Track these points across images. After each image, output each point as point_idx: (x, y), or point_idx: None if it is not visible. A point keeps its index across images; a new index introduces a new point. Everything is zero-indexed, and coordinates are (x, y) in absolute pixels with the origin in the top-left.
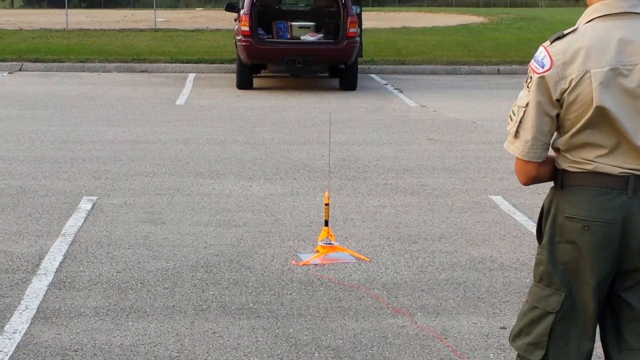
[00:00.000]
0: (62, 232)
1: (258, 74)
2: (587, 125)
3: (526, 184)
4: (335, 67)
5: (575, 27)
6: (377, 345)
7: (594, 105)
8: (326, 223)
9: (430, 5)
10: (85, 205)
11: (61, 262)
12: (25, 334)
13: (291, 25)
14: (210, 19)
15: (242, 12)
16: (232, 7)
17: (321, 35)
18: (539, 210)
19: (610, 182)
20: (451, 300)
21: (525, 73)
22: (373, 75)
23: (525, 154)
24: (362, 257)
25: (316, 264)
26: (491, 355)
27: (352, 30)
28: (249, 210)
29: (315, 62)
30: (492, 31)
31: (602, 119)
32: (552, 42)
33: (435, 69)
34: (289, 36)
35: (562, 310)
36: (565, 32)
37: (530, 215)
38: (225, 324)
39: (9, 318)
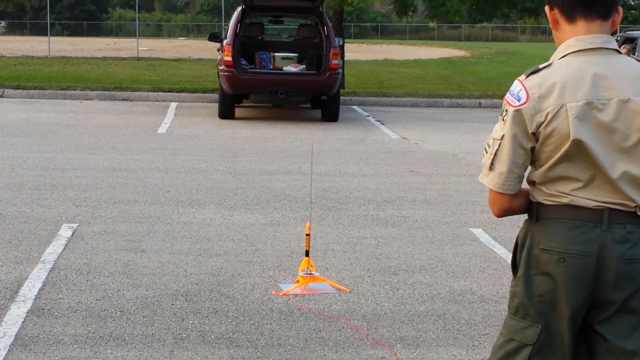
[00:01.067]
0: (41, 259)
1: (240, 104)
2: (563, 159)
3: (499, 216)
4: (317, 98)
5: (549, 62)
6: None
7: (571, 138)
8: (307, 253)
9: (413, 38)
10: (65, 232)
11: (40, 289)
12: None
13: (274, 56)
14: (192, 49)
15: (225, 42)
16: (215, 37)
17: (304, 66)
18: None
19: (585, 215)
20: (431, 332)
21: None
22: (355, 107)
23: (500, 186)
24: (343, 287)
25: (296, 294)
26: None
27: (334, 61)
28: (230, 239)
29: (297, 93)
30: (474, 65)
31: (578, 152)
32: (527, 76)
33: (416, 102)
34: (271, 67)
35: (538, 342)
36: (540, 66)
37: (510, 249)
38: (205, 353)
39: None
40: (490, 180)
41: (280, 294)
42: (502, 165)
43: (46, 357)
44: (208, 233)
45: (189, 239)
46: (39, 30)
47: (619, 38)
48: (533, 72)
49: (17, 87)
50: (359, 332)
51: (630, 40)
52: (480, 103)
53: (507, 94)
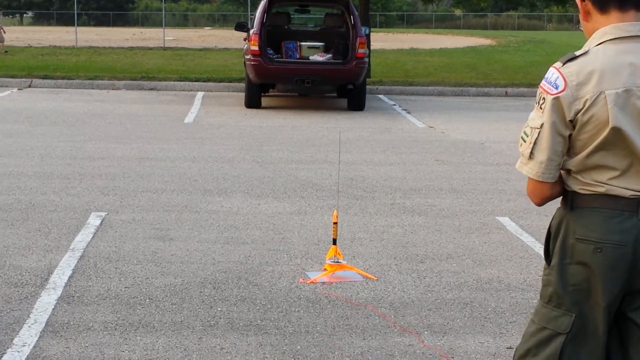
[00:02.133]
0: (70, 247)
1: (266, 93)
2: (600, 147)
3: (540, 204)
4: (344, 87)
5: (585, 49)
6: None
7: (610, 125)
8: (334, 242)
9: (438, 26)
10: (94, 220)
11: (70, 277)
12: (34, 347)
13: (300, 45)
14: (218, 38)
15: (251, 31)
16: (242, 27)
17: (330, 55)
18: (546, 232)
19: (622, 205)
20: (458, 320)
21: (533, 96)
22: (381, 96)
23: (540, 175)
24: (370, 275)
25: (323, 282)
26: None
27: (361, 50)
28: (257, 228)
29: (324, 82)
30: (500, 53)
31: (616, 140)
32: (564, 64)
33: (443, 91)
34: (298, 56)
35: (572, 331)
36: (577, 53)
37: (537, 237)
38: (233, 340)
39: (18, 331)
40: (529, 169)
41: (308, 281)
42: (541, 154)
43: (76, 343)
44: (235, 221)
45: (217, 228)
46: (65, 20)
47: None
48: (570, 60)
49: (45, 77)
50: (386, 320)
51: None
52: (506, 92)
53: (543, 81)
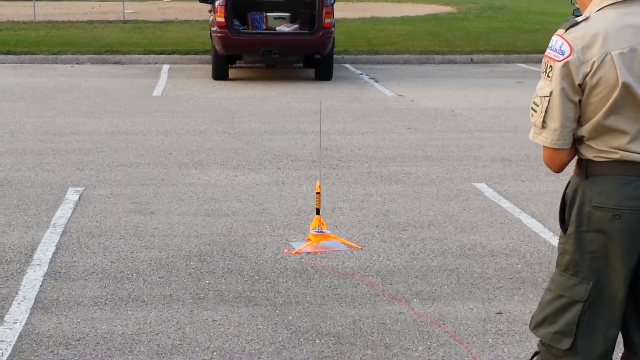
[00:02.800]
0: (51, 223)
1: (233, 65)
2: (611, 110)
3: (558, 171)
4: (311, 58)
5: (586, 15)
6: (376, 331)
7: (620, 81)
8: (317, 212)
9: None
10: (72, 196)
11: (54, 253)
12: (26, 324)
13: (266, 16)
14: (178, 10)
15: (217, 3)
16: None
17: (297, 25)
18: (524, 197)
19: (637, 170)
20: (445, 287)
21: (498, 62)
22: (347, 65)
23: (555, 142)
24: (354, 245)
25: (308, 252)
26: (490, 340)
27: (327, 20)
28: (236, 199)
29: (291, 53)
30: (461, 20)
31: (625, 100)
32: (566, 30)
33: (408, 59)
34: (264, 27)
35: (589, 299)
36: (578, 19)
37: (515, 202)
38: (224, 312)
39: (8, 308)
40: (544, 138)
41: (293, 252)
42: (554, 122)
43: (68, 319)
44: (214, 194)
45: (196, 200)
46: None
47: None
48: (572, 26)
49: (8, 53)
50: (375, 288)
51: None
52: (472, 59)
53: (548, 50)
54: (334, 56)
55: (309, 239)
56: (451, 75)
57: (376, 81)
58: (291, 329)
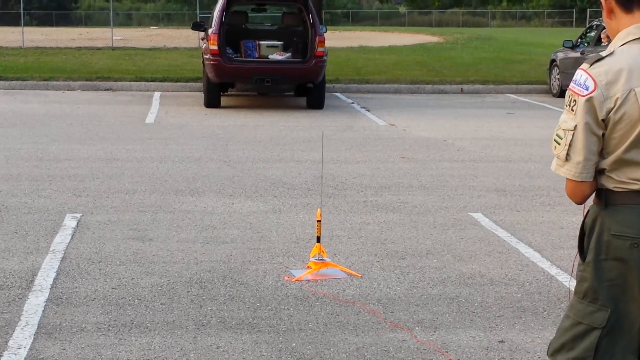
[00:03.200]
0: (51, 249)
1: (225, 93)
2: (633, 144)
3: (580, 203)
4: (302, 86)
5: (610, 50)
6: (380, 358)
7: None
8: (318, 239)
9: (384, 24)
10: (69, 222)
11: (55, 279)
12: (30, 349)
13: (259, 44)
14: (166, 38)
15: (210, 31)
16: (199, 26)
17: (289, 54)
18: (520, 227)
19: None
20: (447, 315)
21: (489, 92)
22: (338, 94)
23: (578, 175)
24: (354, 272)
25: (309, 280)
26: None
27: (320, 49)
28: (234, 227)
29: (284, 81)
30: (449, 50)
31: None
32: (591, 65)
33: (399, 88)
34: (257, 55)
35: (608, 326)
36: (603, 54)
37: (512, 232)
38: (228, 338)
39: (11, 334)
40: (567, 171)
41: (293, 279)
42: (578, 155)
43: (72, 344)
44: (212, 221)
45: (194, 227)
46: (7, 20)
47: (598, 22)
48: (597, 61)
49: None
50: (377, 316)
51: None
52: (462, 89)
53: (572, 84)
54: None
55: (309, 267)
56: (442, 105)
57: (368, 110)
58: (295, 355)
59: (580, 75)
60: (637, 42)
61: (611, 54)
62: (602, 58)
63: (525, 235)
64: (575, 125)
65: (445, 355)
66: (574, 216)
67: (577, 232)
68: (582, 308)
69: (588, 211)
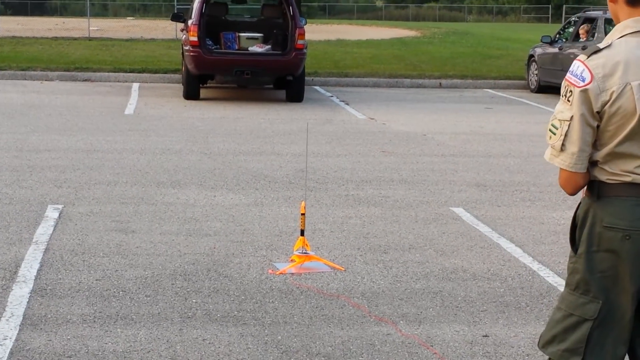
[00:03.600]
0: (34, 240)
1: (205, 85)
2: (628, 137)
3: (573, 193)
4: (281, 79)
5: (608, 42)
6: (366, 352)
7: (638, 112)
8: (302, 233)
9: (360, 17)
10: (51, 213)
11: (38, 270)
12: (16, 340)
13: (239, 36)
14: (143, 29)
15: (190, 22)
16: (178, 17)
17: (269, 46)
18: (501, 222)
19: None
20: (430, 309)
21: (467, 87)
22: (317, 87)
23: (573, 166)
24: (337, 266)
25: (292, 273)
26: None
27: (300, 42)
28: (217, 219)
29: (263, 74)
30: (426, 45)
31: None
32: (588, 56)
33: (377, 82)
34: (237, 47)
35: (599, 317)
36: (601, 46)
37: (493, 227)
38: (214, 331)
39: None
40: (562, 161)
41: (277, 272)
42: (573, 146)
43: (58, 336)
44: (194, 213)
45: (177, 220)
46: None
47: (576, 18)
48: (594, 52)
49: None
50: (361, 310)
51: (589, 20)
52: (440, 83)
53: (569, 74)
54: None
55: (292, 260)
56: (421, 99)
57: (347, 104)
58: (281, 348)
59: (577, 66)
60: (635, 36)
61: (609, 46)
62: (599, 50)
63: (507, 230)
64: (572, 116)
65: (430, 349)
66: (554, 212)
67: (558, 228)
68: (573, 300)
69: (579, 204)
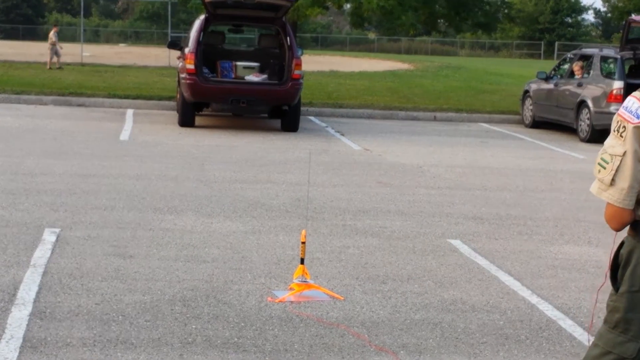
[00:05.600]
0: (31, 263)
1: (200, 112)
2: None
3: (618, 229)
4: (277, 108)
5: None
6: None
7: None
8: (302, 261)
9: (353, 49)
10: (49, 237)
11: (37, 293)
12: None
13: (236, 65)
14: (135, 55)
15: (187, 50)
16: (175, 45)
17: (265, 76)
18: (498, 255)
19: None
20: (431, 340)
21: (462, 121)
22: (311, 118)
23: (621, 201)
24: (337, 295)
25: (291, 302)
26: None
27: (297, 72)
28: (215, 246)
29: (259, 103)
30: (420, 78)
31: None
32: None
33: (372, 114)
34: (233, 76)
35: (638, 357)
36: None
37: (491, 260)
38: (214, 357)
39: None
40: (610, 196)
41: (276, 300)
42: (623, 181)
43: (58, 359)
44: (192, 240)
45: (174, 246)
46: None
47: (572, 55)
48: None
49: None
50: (361, 339)
51: (585, 58)
52: (435, 116)
53: (622, 109)
54: None
55: (291, 288)
56: (416, 131)
57: (342, 134)
58: None
59: (632, 102)
60: None
61: None
62: None
63: (505, 263)
64: (625, 152)
65: None
66: (552, 246)
67: (556, 262)
68: (612, 338)
69: (622, 242)
